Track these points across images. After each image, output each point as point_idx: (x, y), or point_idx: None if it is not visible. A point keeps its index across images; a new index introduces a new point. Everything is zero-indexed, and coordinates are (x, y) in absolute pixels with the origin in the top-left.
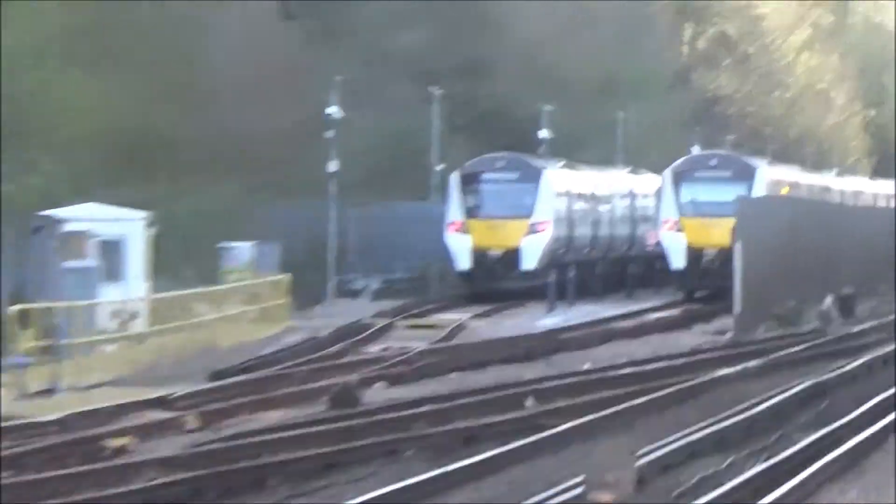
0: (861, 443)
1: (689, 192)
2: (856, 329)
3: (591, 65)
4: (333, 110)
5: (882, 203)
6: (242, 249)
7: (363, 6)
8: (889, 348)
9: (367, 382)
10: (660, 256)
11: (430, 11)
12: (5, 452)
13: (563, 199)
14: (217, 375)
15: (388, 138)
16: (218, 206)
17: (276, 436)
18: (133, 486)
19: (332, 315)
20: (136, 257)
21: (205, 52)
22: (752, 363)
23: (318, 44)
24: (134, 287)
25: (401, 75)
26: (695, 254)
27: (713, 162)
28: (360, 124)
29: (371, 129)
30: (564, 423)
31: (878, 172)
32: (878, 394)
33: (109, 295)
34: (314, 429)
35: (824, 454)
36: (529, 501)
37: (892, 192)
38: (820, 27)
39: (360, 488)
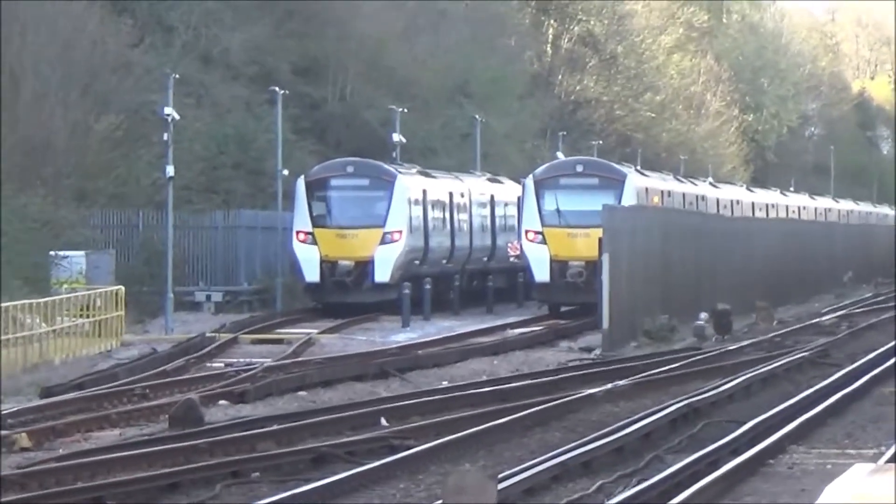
0: (738, 466)
1: (553, 201)
2: (732, 347)
3: (442, 66)
4: (169, 111)
5: (760, 213)
6: (74, 259)
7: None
8: (767, 366)
9: (210, 400)
10: (522, 269)
11: (270, 7)
12: None
13: (417, 208)
14: (49, 392)
15: (227, 142)
16: (46, 213)
17: (113, 455)
18: None
19: (171, 329)
20: None
21: (25, 50)
22: (622, 382)
23: (152, 40)
24: None
25: (240, 75)
26: (559, 266)
27: (579, 169)
28: (197, 127)
29: (210, 131)
30: (421, 443)
31: (756, 181)
32: (757, 415)
33: None
34: (154, 448)
35: (699, 479)
36: None
37: (772, 202)
38: (693, 27)
39: None
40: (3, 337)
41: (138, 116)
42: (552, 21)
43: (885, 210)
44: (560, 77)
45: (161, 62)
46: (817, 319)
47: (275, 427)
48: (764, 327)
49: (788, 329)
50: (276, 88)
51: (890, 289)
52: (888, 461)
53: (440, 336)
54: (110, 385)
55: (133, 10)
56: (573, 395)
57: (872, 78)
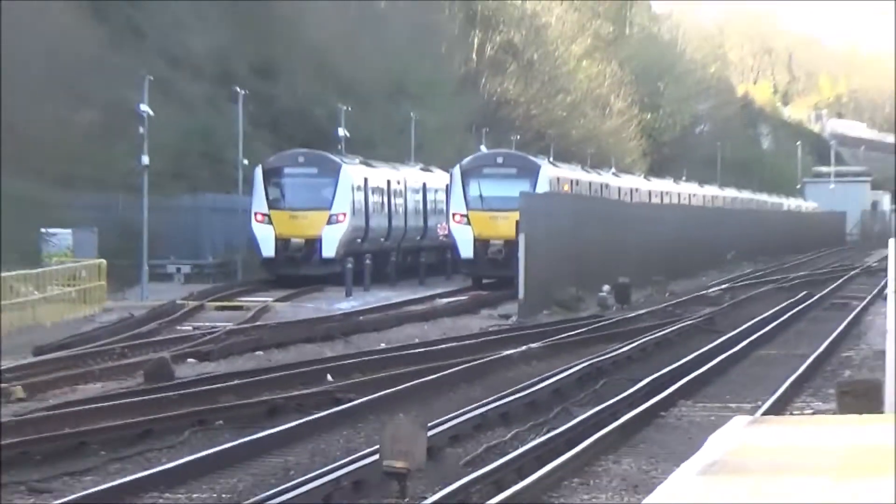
0: (634, 418)
1: (477, 188)
2: (631, 315)
3: (381, 67)
4: (145, 108)
5: (656, 200)
6: (62, 236)
7: (166, 7)
8: (661, 332)
9: (179, 358)
10: (450, 247)
11: (227, 12)
12: None
13: (359, 193)
14: (40, 350)
15: (194, 134)
16: (37, 195)
17: (95, 406)
18: None
19: (146, 297)
20: None
21: (9, 49)
22: (535, 345)
23: (126, 43)
24: None
25: (205, 75)
26: (482, 245)
27: (499, 160)
28: (168, 120)
29: (179, 125)
30: (361, 397)
31: (653, 171)
32: (651, 374)
33: None
34: (130, 400)
35: (600, 428)
36: (326, 468)
37: (667, 190)
38: (600, 37)
39: (173, 455)
40: (2, 302)
41: (116, 111)
42: (477, 30)
43: (764, 197)
44: (484, 80)
45: (134, 64)
46: (704, 292)
47: (235, 382)
48: (658, 298)
49: (679, 300)
50: (237, 88)
51: (768, 265)
52: (764, 414)
53: (378, 304)
54: (93, 345)
55: (108, 14)
56: (493, 356)
57: (755, 82)
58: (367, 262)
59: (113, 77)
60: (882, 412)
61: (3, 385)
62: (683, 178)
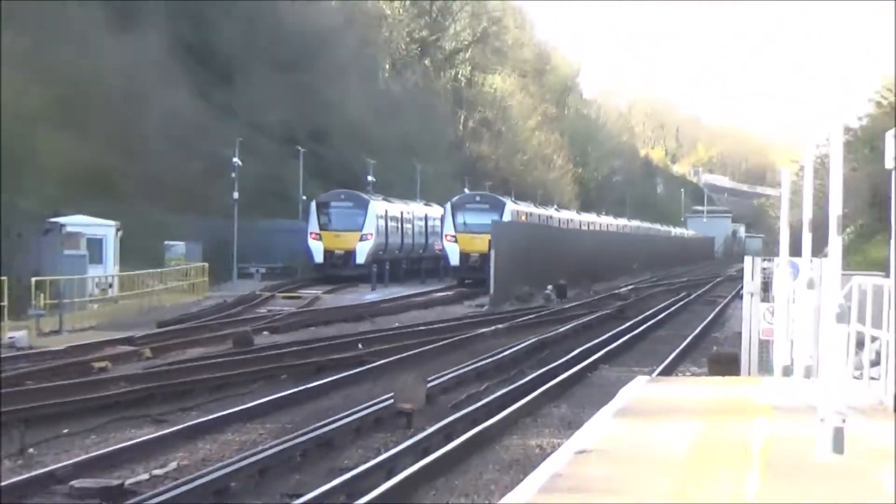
0: (569, 377)
1: (462, 217)
2: (567, 306)
3: (397, 134)
4: (236, 160)
5: (585, 227)
6: (179, 246)
7: (252, 90)
8: (587, 318)
9: (257, 331)
10: (443, 257)
11: (293, 95)
12: (31, 369)
13: (381, 220)
14: (163, 324)
15: (269, 178)
16: (162, 218)
17: (199, 363)
18: (109, 392)
19: (235, 289)
20: (111, 249)
21: (146, 122)
22: (500, 326)
23: (224, 115)
24: (109, 267)
25: (277, 138)
26: (465, 256)
27: (477, 198)
28: (251, 169)
29: (259, 172)
30: (381, 360)
31: (582, 207)
32: (580, 346)
33: (94, 272)
34: (223, 359)
35: (545, 383)
36: (359, 406)
37: (591, 221)
38: (546, 115)
39: (251, 398)
40: (135, 291)
41: (216, 161)
42: (463, 110)
43: (658, 227)
44: (467, 143)
45: (229, 130)
46: (617, 291)
47: (294, 348)
48: (585, 295)
49: (600, 296)
50: (298, 147)
51: (660, 274)
52: (658, 374)
53: (393, 296)
54: (198, 321)
55: (212, 95)
56: (471, 333)
57: (653, 148)
58: (386, 267)
59: (214, 138)
60: (738, 374)
61: (136, 347)
62: (603, 212)
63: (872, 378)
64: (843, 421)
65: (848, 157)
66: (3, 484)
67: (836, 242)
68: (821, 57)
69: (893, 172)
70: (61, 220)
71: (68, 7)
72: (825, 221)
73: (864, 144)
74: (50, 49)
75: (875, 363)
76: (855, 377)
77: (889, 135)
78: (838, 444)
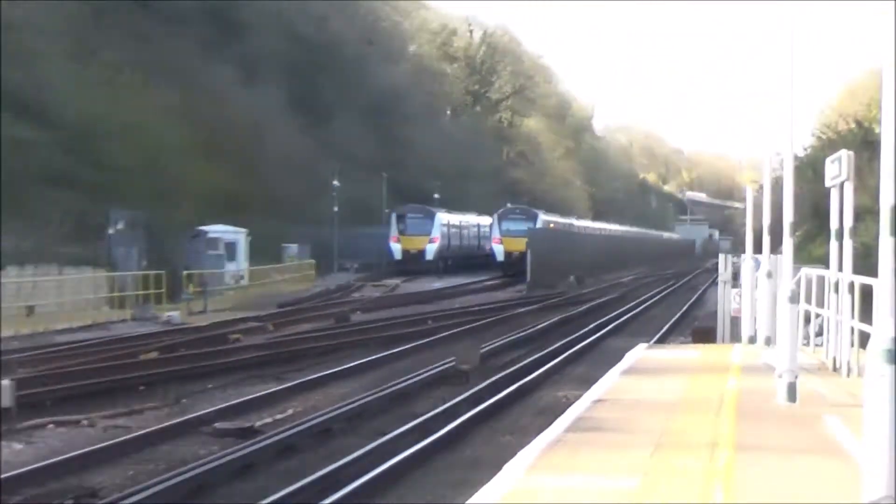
0: (586, 345)
1: (505, 225)
2: (584, 291)
3: (457, 162)
4: (335, 183)
5: (597, 232)
6: (292, 248)
7: (346, 131)
8: (600, 300)
9: (352, 311)
10: (491, 255)
11: (379, 131)
12: (183, 340)
13: (444, 227)
14: (281, 306)
15: (360, 196)
16: (279, 227)
17: (308, 335)
18: (241, 357)
19: (335, 280)
20: (242, 250)
21: (267, 155)
22: (534, 307)
23: (327, 150)
24: (241, 264)
25: (366, 166)
26: (508, 254)
27: (517, 211)
28: (346, 189)
29: (352, 191)
30: (445, 332)
31: (594, 217)
32: (595, 322)
33: (229, 267)
34: (326, 332)
35: (568, 350)
36: (429, 367)
37: (602, 227)
38: (567, 148)
39: (348, 359)
40: (261, 282)
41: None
42: (504, 145)
43: (652, 231)
44: (508, 170)
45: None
46: (621, 280)
47: (380, 324)
48: (597, 284)
49: (608, 285)
50: (383, 174)
51: (653, 268)
52: (654, 343)
53: (453, 285)
54: (308, 303)
55: (315, 134)
56: (512, 312)
57: (648, 172)
58: (449, 262)
59: (319, 167)
60: (715, 342)
61: (262, 323)
62: (610, 221)
63: (817, 345)
64: (795, 377)
65: (795, 178)
66: (162, 426)
67: (788, 243)
68: (772, 102)
69: (831, 190)
70: (205, 228)
71: (209, 67)
72: (779, 227)
73: (807, 168)
74: (195, 99)
75: (818, 334)
76: (803, 344)
77: (827, 161)
78: (792, 395)
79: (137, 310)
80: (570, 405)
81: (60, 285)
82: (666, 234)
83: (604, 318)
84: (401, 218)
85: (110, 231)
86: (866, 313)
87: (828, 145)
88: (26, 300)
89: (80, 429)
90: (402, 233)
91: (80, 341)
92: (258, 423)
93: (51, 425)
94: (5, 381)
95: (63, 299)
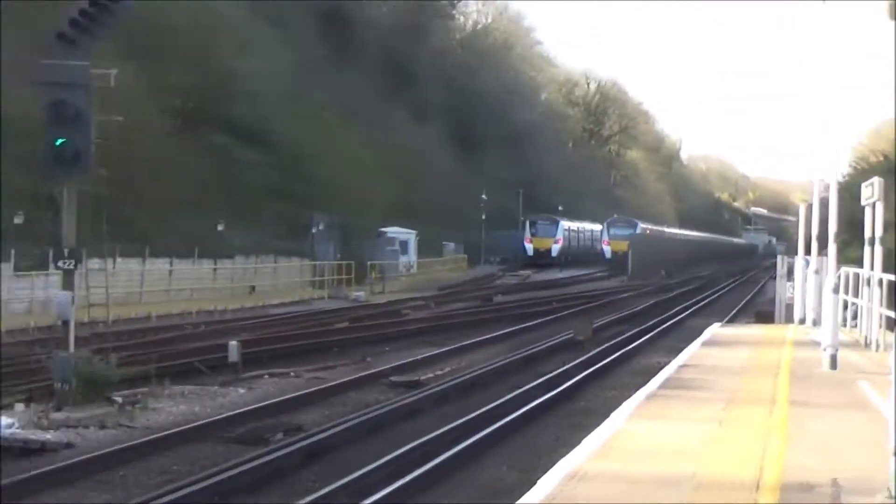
0: (673, 322)
1: (613, 230)
2: (672, 282)
3: (575, 183)
4: (483, 196)
5: (681, 237)
6: (450, 245)
7: (491, 157)
8: (684, 289)
9: (494, 295)
10: (602, 253)
11: (515, 160)
12: (367, 313)
13: (566, 231)
14: (441, 289)
15: (501, 207)
16: (440, 230)
17: (462, 311)
18: (410, 327)
19: (482, 271)
20: (412, 247)
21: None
22: (633, 293)
23: (476, 173)
24: (411, 257)
25: (508, 185)
26: (614, 253)
27: (621, 221)
28: (491, 201)
29: (495, 203)
30: (565, 311)
31: (681, 226)
32: (679, 305)
33: (402, 259)
34: (473, 310)
35: (659, 326)
36: (553, 337)
37: (686, 233)
38: (660, 174)
39: (491, 330)
40: (426, 271)
41: (470, 196)
42: (613, 170)
43: (726, 237)
44: (616, 190)
45: (479, 180)
46: (699, 275)
47: (515, 304)
48: (684, 276)
49: (689, 278)
50: (519, 189)
51: (726, 265)
52: (725, 322)
53: (571, 275)
54: (460, 287)
55: (467, 160)
56: (616, 297)
57: (722, 193)
58: (569, 258)
59: (470, 185)
60: (773, 323)
61: (426, 302)
62: (692, 229)
63: (852, 326)
64: (836, 350)
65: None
66: (351, 378)
67: (832, 248)
68: (820, 141)
69: (866, 208)
70: (385, 229)
71: (389, 108)
72: (824, 235)
73: (845, 191)
74: (378, 132)
75: (854, 318)
76: (842, 325)
77: (863, 186)
78: (833, 364)
79: (332, 290)
80: (661, 368)
81: (275, 271)
82: (735, 240)
83: (686, 303)
84: (533, 224)
85: (313, 230)
86: (891, 303)
87: (860, 173)
88: (249, 282)
89: (288, 379)
90: (533, 235)
91: (288, 313)
92: (423, 378)
93: (266, 376)
94: (233, 342)
95: (277, 281)
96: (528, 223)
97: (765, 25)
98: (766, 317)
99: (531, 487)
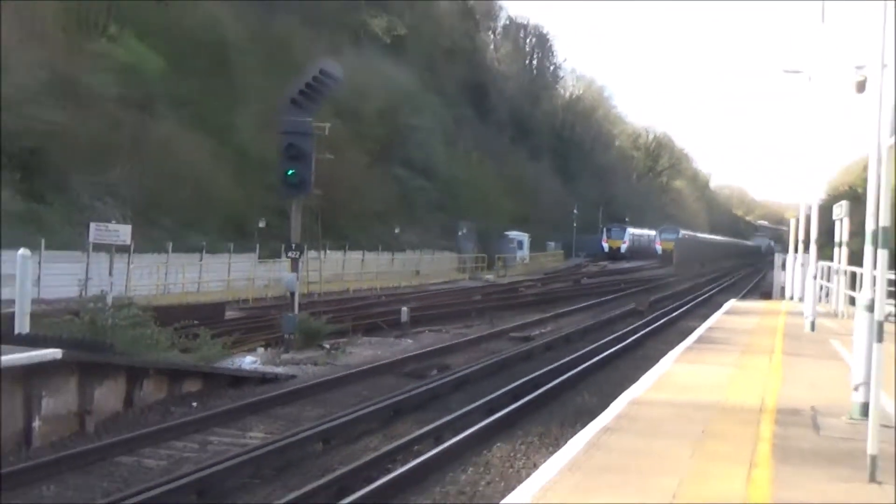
0: (704, 298)
1: (663, 235)
2: (704, 272)
3: (638, 202)
4: (575, 212)
5: (711, 240)
6: (552, 244)
7: (582, 181)
8: (712, 276)
9: (582, 278)
10: (655, 251)
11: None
12: (494, 291)
13: (632, 235)
14: (546, 274)
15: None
16: (545, 233)
17: (560, 289)
18: (525, 300)
19: (573, 262)
20: (526, 244)
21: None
22: (677, 279)
23: (570, 189)
24: (526, 251)
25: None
26: (664, 251)
27: (669, 228)
28: (581, 213)
29: (584, 215)
30: (630, 290)
31: (710, 232)
32: (710, 286)
33: (519, 253)
34: (570, 288)
35: (695, 300)
36: (621, 307)
37: (714, 238)
38: (697, 197)
39: (579, 302)
40: (535, 262)
41: (566, 210)
42: (663, 194)
43: (740, 241)
44: (666, 207)
45: (572, 196)
46: (723, 266)
47: (596, 285)
48: (714, 271)
49: (716, 269)
50: (601, 206)
51: (742, 261)
52: (739, 298)
53: (634, 266)
54: (559, 273)
55: (567, 181)
56: (666, 281)
57: (739, 210)
58: (632, 255)
59: (568, 200)
60: (771, 299)
61: (535, 282)
62: (718, 234)
63: (826, 302)
64: (814, 318)
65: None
66: (483, 333)
67: (813, 249)
68: (805, 177)
69: (836, 222)
70: (508, 232)
71: (513, 149)
72: (808, 240)
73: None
74: (505, 167)
75: (827, 296)
76: (819, 301)
77: (834, 206)
78: (812, 327)
79: (471, 274)
80: (695, 329)
81: (434, 260)
82: (747, 242)
83: (713, 286)
84: (609, 230)
85: (459, 233)
86: (851, 286)
87: (833, 198)
88: (415, 267)
89: (440, 334)
90: (609, 238)
91: (442, 289)
92: (533, 334)
93: (426, 331)
94: (404, 308)
95: (434, 268)
96: (605, 229)
97: (765, 93)
98: (767, 295)
99: (606, 409)
